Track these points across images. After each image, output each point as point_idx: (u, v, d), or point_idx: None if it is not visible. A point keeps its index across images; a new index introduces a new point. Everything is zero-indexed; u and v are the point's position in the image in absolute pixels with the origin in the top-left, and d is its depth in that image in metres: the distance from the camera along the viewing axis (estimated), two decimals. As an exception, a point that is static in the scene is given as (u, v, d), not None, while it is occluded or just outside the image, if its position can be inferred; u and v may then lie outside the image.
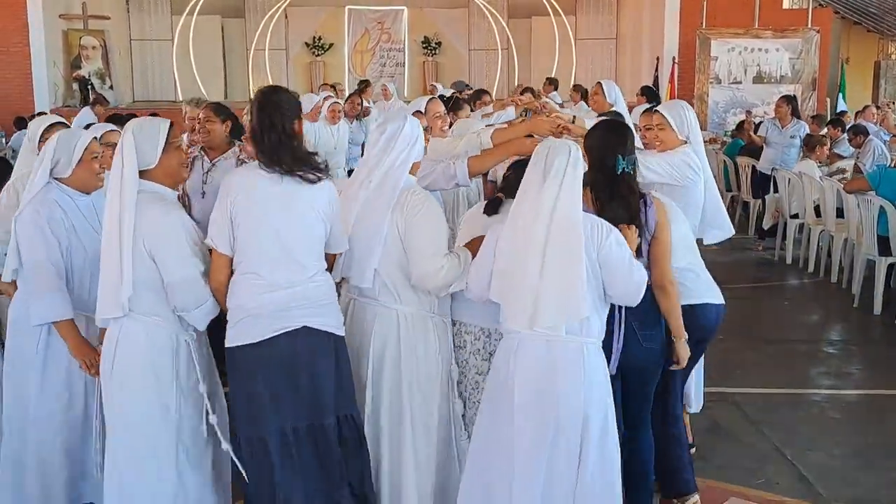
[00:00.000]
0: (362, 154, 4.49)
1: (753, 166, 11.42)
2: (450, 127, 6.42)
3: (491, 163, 4.52)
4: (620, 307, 3.63)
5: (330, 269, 3.62)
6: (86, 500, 3.97)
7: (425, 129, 4.83)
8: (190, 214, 5.26)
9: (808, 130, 11.19)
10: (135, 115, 6.71)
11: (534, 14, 22.69)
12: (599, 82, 7.34)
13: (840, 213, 8.90)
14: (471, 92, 13.78)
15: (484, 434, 3.50)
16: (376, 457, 3.70)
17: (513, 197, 3.59)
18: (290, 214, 3.40)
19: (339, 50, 23.66)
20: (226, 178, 3.54)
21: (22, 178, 4.25)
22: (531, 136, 4.70)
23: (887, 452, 5.13)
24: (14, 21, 17.41)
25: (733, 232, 4.87)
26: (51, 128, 4.59)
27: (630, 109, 7.34)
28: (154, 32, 22.22)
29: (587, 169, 3.62)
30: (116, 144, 4.59)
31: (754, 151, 11.53)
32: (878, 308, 7.83)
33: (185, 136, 6.56)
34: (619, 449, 3.49)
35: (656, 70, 17.50)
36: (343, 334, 3.55)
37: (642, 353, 3.82)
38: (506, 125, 5.56)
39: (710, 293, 4.21)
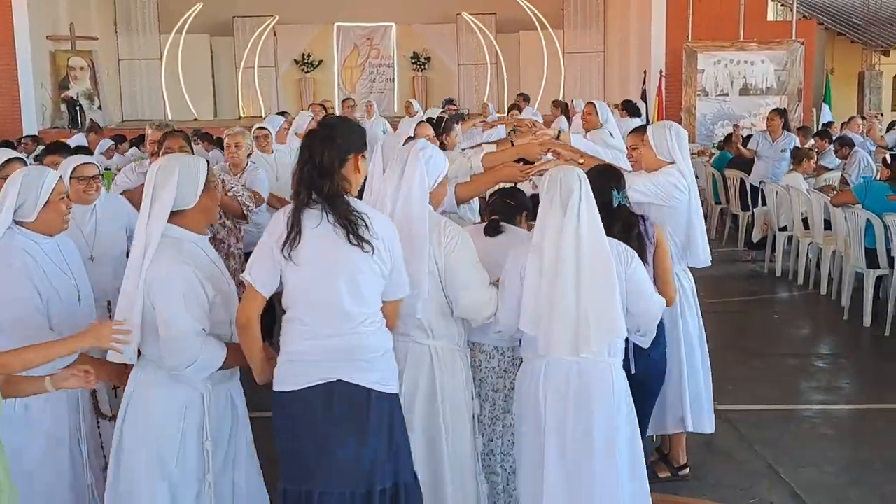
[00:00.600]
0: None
1: (742, 179, 11.48)
2: (442, 147, 6.48)
3: (479, 189, 4.55)
4: None
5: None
6: None
7: None
8: None
9: (798, 143, 11.25)
10: (124, 137, 6.61)
11: (522, 29, 22.85)
12: (592, 103, 7.43)
13: (828, 225, 8.95)
14: (454, 109, 13.87)
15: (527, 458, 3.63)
16: None
17: (508, 220, 3.84)
18: (336, 258, 3.14)
19: (328, 67, 23.74)
20: (275, 216, 3.29)
21: None
22: (521, 159, 4.78)
23: (878, 468, 5.15)
24: (1, 43, 17.41)
25: (709, 263, 4.88)
26: (7, 164, 4.37)
27: None
28: (142, 52, 22.28)
29: None
30: (91, 178, 4.53)
31: (743, 164, 11.59)
32: (867, 320, 7.88)
33: (146, 162, 6.28)
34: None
35: (644, 83, 17.60)
36: (391, 391, 3.25)
37: (645, 362, 4.06)
38: (494, 146, 5.61)
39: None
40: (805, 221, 9.49)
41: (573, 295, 3.42)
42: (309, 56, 23.67)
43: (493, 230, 3.98)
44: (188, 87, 22.12)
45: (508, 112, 10.43)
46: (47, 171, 3.72)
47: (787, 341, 7.85)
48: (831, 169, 11.29)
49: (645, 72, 17.70)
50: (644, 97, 17.15)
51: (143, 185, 3.47)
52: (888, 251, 7.70)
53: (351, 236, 3.09)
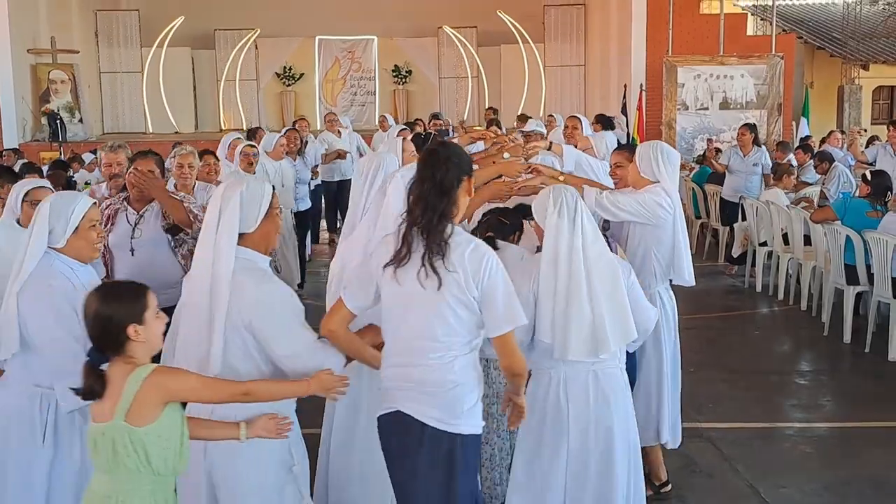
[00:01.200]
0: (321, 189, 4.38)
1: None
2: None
3: (471, 210, 4.56)
4: None
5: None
6: None
7: None
8: (109, 273, 4.94)
9: (768, 158, 11.35)
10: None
11: (503, 42, 22.94)
12: (578, 117, 7.45)
13: (808, 240, 9.00)
14: (440, 124, 13.87)
15: (527, 470, 3.75)
16: None
17: (503, 238, 4.21)
18: (407, 287, 3.11)
19: (309, 80, 23.78)
20: (385, 238, 3.24)
21: None
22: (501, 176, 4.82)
23: (858, 487, 5.18)
24: (-19, 56, 17.30)
25: (693, 283, 4.91)
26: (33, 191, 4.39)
27: None
28: (123, 65, 22.21)
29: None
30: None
31: (723, 179, 11.65)
32: (847, 337, 7.92)
33: (103, 186, 6.10)
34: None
35: (624, 97, 17.67)
36: (455, 430, 3.10)
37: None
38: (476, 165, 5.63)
39: None
40: (785, 237, 9.54)
41: (587, 303, 3.62)
42: (290, 69, 23.70)
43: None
44: (169, 101, 22.05)
45: (488, 127, 10.42)
46: (78, 197, 3.68)
47: (767, 358, 7.88)
48: (812, 184, 11.36)
49: (625, 85, 17.78)
50: (624, 111, 17.22)
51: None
52: (868, 268, 7.74)
53: (430, 264, 3.05)
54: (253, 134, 11.06)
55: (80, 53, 20.27)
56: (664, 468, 5.04)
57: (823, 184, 10.91)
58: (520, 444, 3.81)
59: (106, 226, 4.82)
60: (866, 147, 13.17)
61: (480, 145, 8.52)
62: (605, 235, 4.29)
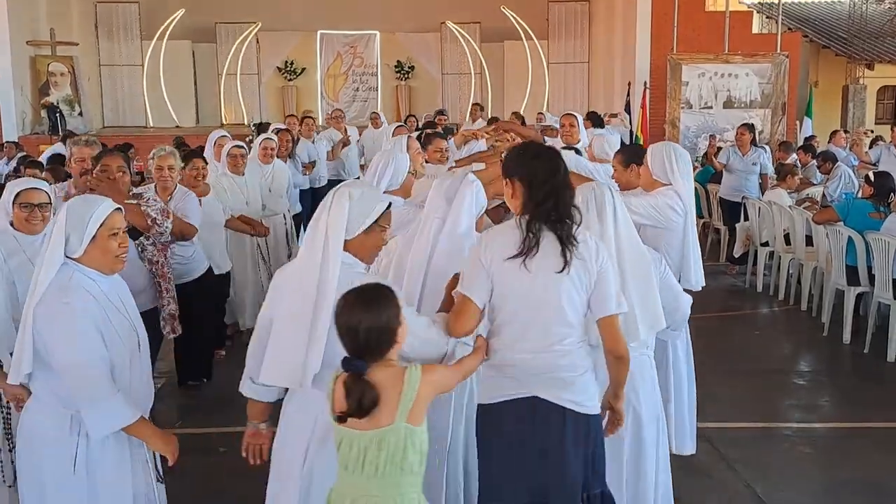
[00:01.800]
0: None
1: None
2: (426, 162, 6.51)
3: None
4: None
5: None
6: None
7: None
8: None
9: (768, 156, 11.28)
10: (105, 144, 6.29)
11: (506, 38, 22.84)
12: (574, 115, 7.39)
13: (810, 241, 8.93)
14: (444, 120, 13.82)
15: None
16: None
17: None
18: (540, 276, 3.16)
19: (311, 74, 23.68)
20: (497, 227, 3.35)
21: None
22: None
23: (855, 488, 5.12)
24: (-20, 48, 17.24)
25: (700, 287, 4.85)
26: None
27: None
28: (124, 58, 22.13)
29: None
30: (37, 205, 4.06)
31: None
32: (847, 337, 7.85)
33: (66, 184, 5.79)
34: None
35: (628, 94, 17.59)
36: (591, 412, 3.25)
37: None
38: (483, 164, 5.59)
39: None
40: (787, 237, 9.47)
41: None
42: (292, 63, 23.62)
43: None
44: (170, 94, 21.98)
45: (489, 124, 10.36)
46: (98, 202, 3.33)
47: (766, 358, 7.80)
48: (816, 184, 11.28)
49: (629, 83, 17.69)
50: (628, 108, 17.13)
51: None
52: (869, 269, 7.67)
53: (566, 252, 3.15)
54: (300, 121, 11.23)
55: (79, 46, 20.22)
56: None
57: (826, 184, 10.82)
58: None
59: None
60: (870, 147, 13.09)
61: (482, 144, 8.46)
62: None
